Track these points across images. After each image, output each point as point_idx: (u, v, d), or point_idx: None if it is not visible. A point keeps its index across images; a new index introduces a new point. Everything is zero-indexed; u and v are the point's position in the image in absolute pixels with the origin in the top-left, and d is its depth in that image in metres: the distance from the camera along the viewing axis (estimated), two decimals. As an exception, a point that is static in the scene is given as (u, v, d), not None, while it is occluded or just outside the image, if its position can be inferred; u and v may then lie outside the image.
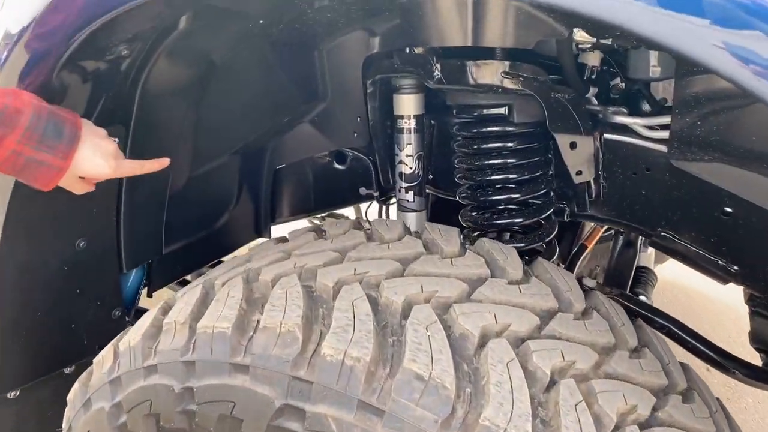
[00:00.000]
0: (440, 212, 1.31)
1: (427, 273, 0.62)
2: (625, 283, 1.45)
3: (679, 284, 2.50)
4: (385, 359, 0.52)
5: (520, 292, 0.61)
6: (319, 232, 0.80)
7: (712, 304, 2.43)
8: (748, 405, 1.91)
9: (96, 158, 0.68)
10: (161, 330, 0.64)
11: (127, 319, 1.07)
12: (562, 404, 0.49)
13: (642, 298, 1.59)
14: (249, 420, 0.55)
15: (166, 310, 0.69)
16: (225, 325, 0.58)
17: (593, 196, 1.04)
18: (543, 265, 0.70)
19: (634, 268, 1.58)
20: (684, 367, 0.67)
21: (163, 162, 0.78)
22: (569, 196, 1.07)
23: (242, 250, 1.36)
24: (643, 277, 1.69)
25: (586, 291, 0.72)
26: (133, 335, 0.67)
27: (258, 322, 0.58)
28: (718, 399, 0.68)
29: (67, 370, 0.99)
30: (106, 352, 0.70)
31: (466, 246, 0.71)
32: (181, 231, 1.12)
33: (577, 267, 1.37)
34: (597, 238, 1.57)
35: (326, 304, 0.59)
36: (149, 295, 1.13)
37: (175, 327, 0.62)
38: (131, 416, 0.64)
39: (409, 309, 0.56)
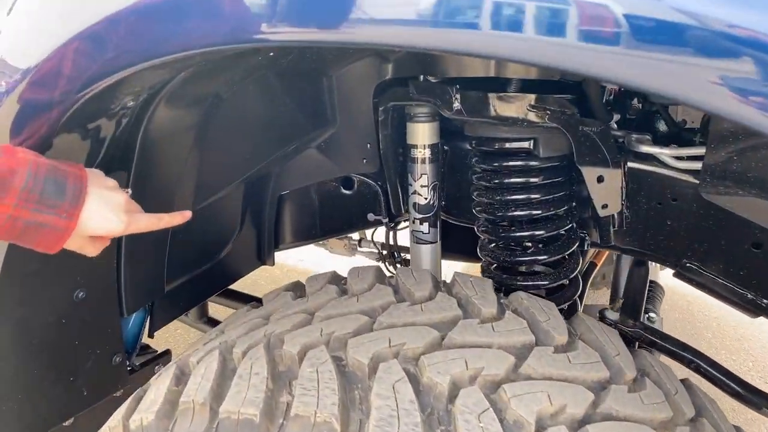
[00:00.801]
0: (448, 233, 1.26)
1: (468, 343, 0.57)
2: (640, 307, 1.42)
3: (678, 290, 2.49)
4: None
5: (570, 361, 0.57)
6: (339, 284, 0.74)
7: (711, 309, 2.42)
8: (754, 416, 1.90)
9: (106, 214, 0.61)
10: (177, 408, 0.59)
11: (128, 363, 1.01)
12: None
13: (652, 314, 1.56)
14: None
15: (179, 380, 0.63)
16: (252, 412, 0.53)
17: (617, 226, 1.01)
18: (584, 323, 0.66)
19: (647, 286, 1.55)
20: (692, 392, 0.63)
21: (186, 215, 0.71)
22: (591, 226, 1.03)
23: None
24: (652, 292, 1.66)
25: (629, 345, 0.68)
26: (145, 412, 0.61)
27: (288, 406, 0.53)
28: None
29: (66, 423, 0.93)
30: (115, 426, 0.65)
31: (503, 303, 0.66)
32: (183, 266, 1.06)
33: (588, 285, 1.33)
34: (605, 255, 1.54)
35: (362, 384, 0.54)
36: (150, 335, 1.07)
37: (194, 408, 0.57)
38: None
39: (456, 391, 0.52)
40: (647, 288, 1.57)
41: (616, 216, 0.98)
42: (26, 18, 0.63)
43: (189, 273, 1.10)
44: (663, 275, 2.18)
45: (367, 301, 0.66)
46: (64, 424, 0.93)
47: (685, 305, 2.41)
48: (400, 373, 0.53)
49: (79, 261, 0.80)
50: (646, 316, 1.56)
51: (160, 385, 0.65)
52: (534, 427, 0.49)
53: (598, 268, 1.51)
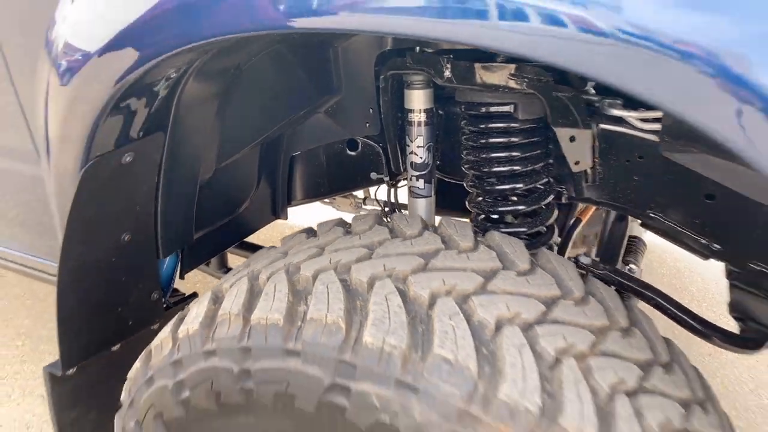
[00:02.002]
0: (444, 192, 1.39)
1: (446, 267, 0.72)
2: (617, 256, 1.56)
3: (668, 248, 2.63)
4: (416, 345, 0.62)
5: (528, 282, 0.71)
6: (345, 226, 0.89)
7: (698, 265, 2.56)
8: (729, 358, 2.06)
9: None
10: (216, 320, 0.74)
11: (163, 300, 1.17)
12: (564, 380, 0.60)
13: (632, 266, 1.70)
14: (301, 396, 0.65)
15: (216, 300, 0.79)
16: (277, 317, 0.68)
17: (590, 181, 1.14)
18: (546, 255, 0.80)
19: (626, 238, 1.69)
20: (667, 341, 0.78)
21: None
22: (567, 181, 1.16)
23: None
24: (634, 246, 1.79)
25: (584, 276, 0.82)
26: (190, 324, 0.76)
27: (305, 313, 0.68)
28: (695, 368, 0.78)
29: (113, 348, 1.10)
30: (164, 337, 0.80)
31: (479, 240, 0.80)
32: (208, 218, 1.21)
33: (572, 238, 1.47)
34: (591, 212, 1.68)
35: (362, 296, 0.69)
36: (181, 277, 1.23)
37: (230, 318, 0.72)
38: (194, 393, 0.74)
39: (434, 301, 0.66)
40: (627, 241, 1.71)
41: (588, 172, 1.12)
42: (89, 8, 0.76)
43: (213, 224, 1.26)
44: (652, 235, 2.33)
45: (367, 238, 0.81)
46: (112, 349, 1.10)
47: (672, 262, 2.55)
48: (391, 288, 0.68)
49: (126, 210, 0.96)
50: (627, 267, 1.70)
51: (199, 305, 0.80)
52: (493, 326, 0.64)
53: (583, 223, 1.64)
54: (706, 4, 0.47)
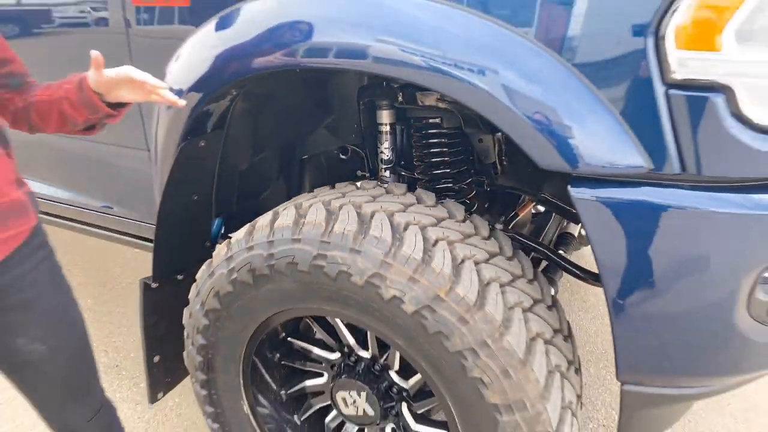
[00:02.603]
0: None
1: (387, 201, 1.27)
2: (540, 232, 2.08)
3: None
4: (361, 231, 1.17)
5: (428, 209, 1.27)
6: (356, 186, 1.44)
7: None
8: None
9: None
10: (253, 230, 1.30)
11: (211, 249, 1.73)
12: (435, 250, 1.14)
13: (561, 252, 2.22)
14: (301, 263, 1.20)
15: (298, 211, 1.33)
16: (288, 222, 1.24)
17: (498, 172, 1.70)
18: (478, 218, 1.35)
19: (557, 232, 2.21)
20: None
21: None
22: (486, 172, 1.72)
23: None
24: (566, 239, 2.31)
25: (493, 229, 1.36)
26: (237, 234, 1.32)
27: (305, 219, 1.24)
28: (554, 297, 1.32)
29: (179, 277, 1.65)
30: (221, 246, 1.36)
31: (411, 193, 1.36)
32: (243, 197, 1.79)
33: (510, 226, 2.00)
34: (528, 209, 2.22)
35: (364, 218, 1.23)
36: (224, 238, 1.79)
37: (263, 226, 1.28)
38: (239, 273, 1.30)
39: (373, 214, 1.22)
40: (561, 234, 2.21)
41: (498, 164, 1.68)
42: (180, 66, 1.35)
43: (243, 202, 1.83)
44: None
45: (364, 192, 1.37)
46: (178, 277, 1.65)
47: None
48: (351, 207, 1.23)
49: (198, 177, 1.53)
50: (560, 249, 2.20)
51: (288, 212, 1.33)
52: (403, 226, 1.19)
53: (520, 217, 2.17)
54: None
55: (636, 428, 1.24)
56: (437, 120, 1.58)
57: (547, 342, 1.19)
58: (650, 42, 0.92)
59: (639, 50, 0.93)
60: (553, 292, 1.37)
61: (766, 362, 1.11)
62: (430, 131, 1.60)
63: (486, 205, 1.92)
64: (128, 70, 1.07)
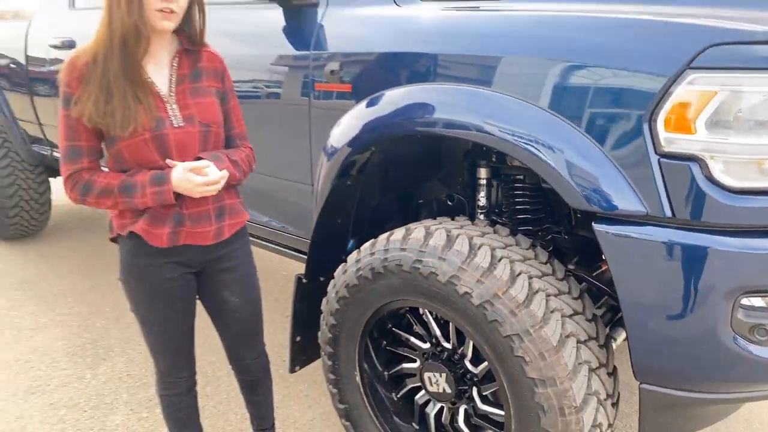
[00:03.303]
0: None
1: (472, 230, 1.78)
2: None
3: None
4: (448, 246, 1.69)
5: (500, 237, 1.75)
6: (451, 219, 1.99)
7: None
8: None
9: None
10: (376, 242, 1.87)
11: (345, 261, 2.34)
12: (499, 265, 1.62)
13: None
14: (405, 264, 1.74)
15: (427, 231, 1.92)
16: (399, 237, 1.79)
17: (573, 223, 2.12)
18: (521, 236, 1.82)
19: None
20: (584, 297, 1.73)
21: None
22: (561, 222, 2.15)
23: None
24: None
25: (551, 258, 1.81)
26: (366, 244, 1.91)
27: (412, 235, 1.79)
28: (596, 315, 1.72)
29: (321, 279, 2.27)
30: (353, 254, 1.95)
31: (493, 227, 1.86)
32: (371, 226, 2.38)
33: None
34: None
35: (452, 239, 1.76)
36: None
37: (384, 239, 1.85)
38: (363, 270, 1.86)
39: (456, 236, 1.73)
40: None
41: (571, 216, 2.10)
42: (337, 132, 2.01)
43: (372, 230, 2.41)
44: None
45: (456, 223, 1.90)
46: (320, 278, 2.27)
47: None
48: (443, 232, 1.76)
49: (343, 206, 2.15)
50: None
51: (399, 231, 1.92)
52: (477, 245, 1.68)
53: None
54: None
55: (653, 425, 1.57)
56: (521, 176, 2.07)
57: (579, 342, 1.59)
58: (647, 127, 1.36)
59: (640, 132, 1.38)
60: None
61: (752, 375, 1.41)
62: (515, 185, 2.09)
63: (565, 249, 2.33)
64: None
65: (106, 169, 1.58)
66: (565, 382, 1.52)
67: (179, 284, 1.64)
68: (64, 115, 1.48)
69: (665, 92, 1.33)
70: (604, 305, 2.11)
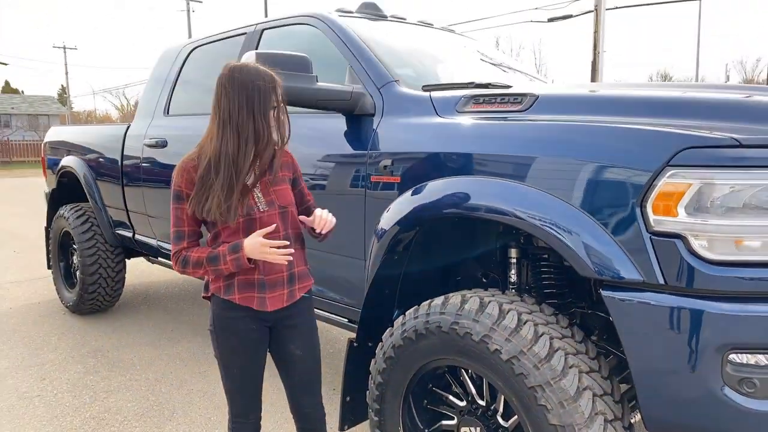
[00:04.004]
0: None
1: (510, 302, 2.10)
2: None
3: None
4: (480, 310, 2.00)
5: (531, 309, 2.06)
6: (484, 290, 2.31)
7: None
8: None
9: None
10: (419, 307, 2.20)
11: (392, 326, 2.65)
12: (529, 333, 1.92)
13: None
14: (444, 326, 2.05)
15: (463, 300, 2.25)
16: (439, 303, 2.12)
17: (594, 299, 2.40)
18: (546, 307, 2.12)
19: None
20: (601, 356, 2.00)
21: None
22: (582, 297, 2.43)
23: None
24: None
25: (573, 323, 2.10)
26: (410, 310, 2.24)
27: (450, 301, 2.11)
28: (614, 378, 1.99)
29: (369, 344, 2.58)
30: (398, 319, 2.28)
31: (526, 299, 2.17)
32: (414, 297, 2.71)
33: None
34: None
35: (485, 305, 2.09)
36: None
37: (426, 306, 2.18)
38: (408, 332, 2.18)
39: (488, 303, 2.05)
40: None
41: (593, 292, 2.39)
42: (386, 216, 2.41)
43: (415, 300, 2.74)
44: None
45: (490, 293, 2.23)
46: (369, 344, 2.58)
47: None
48: (491, 300, 2.08)
49: (389, 280, 2.51)
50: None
51: (440, 299, 2.26)
52: (515, 314, 1.99)
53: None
54: (553, 215, 1.90)
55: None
56: (545, 255, 2.40)
57: (595, 395, 1.84)
58: (638, 211, 1.70)
59: (634, 215, 1.71)
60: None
61: (743, 426, 1.62)
62: (541, 263, 2.42)
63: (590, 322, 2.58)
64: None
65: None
66: (582, 428, 1.76)
67: (258, 336, 2.00)
68: (174, 207, 1.93)
69: (651, 183, 1.68)
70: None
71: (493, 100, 2.31)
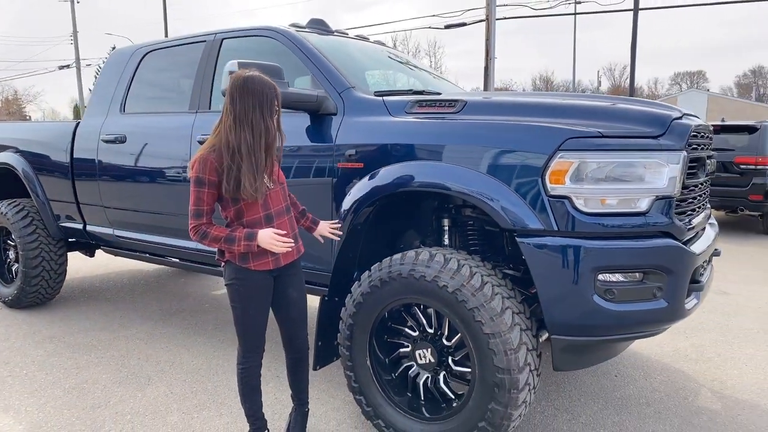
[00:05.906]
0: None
1: (454, 254, 2.84)
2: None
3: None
4: (451, 269, 2.72)
5: (472, 260, 2.81)
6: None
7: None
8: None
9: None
10: (380, 263, 2.88)
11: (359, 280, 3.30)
12: (471, 277, 2.66)
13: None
14: (403, 273, 2.75)
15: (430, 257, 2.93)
16: (424, 258, 2.82)
17: (507, 253, 3.21)
18: (486, 263, 2.88)
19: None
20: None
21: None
22: (500, 253, 3.24)
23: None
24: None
25: (496, 265, 2.86)
26: (373, 267, 2.91)
27: (433, 259, 2.81)
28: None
29: (336, 299, 3.21)
30: (365, 273, 2.94)
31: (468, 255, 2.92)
32: (371, 260, 3.37)
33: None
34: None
35: (432, 256, 2.80)
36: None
37: (387, 260, 2.86)
38: (374, 281, 2.85)
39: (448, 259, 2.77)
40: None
41: (504, 248, 3.20)
42: (358, 189, 3.07)
43: (370, 263, 3.41)
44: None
45: (436, 250, 2.95)
46: (335, 299, 3.21)
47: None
48: (447, 256, 2.80)
49: (352, 246, 3.15)
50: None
51: (400, 254, 2.92)
52: (458, 263, 2.72)
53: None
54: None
55: (560, 362, 2.58)
56: (471, 222, 3.17)
57: (513, 312, 2.61)
58: (540, 181, 2.50)
59: (537, 184, 2.51)
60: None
61: (607, 322, 2.47)
62: (468, 229, 3.18)
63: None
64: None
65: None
66: (506, 333, 2.53)
67: (268, 284, 2.58)
68: (196, 190, 2.45)
69: (548, 162, 2.48)
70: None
71: (434, 104, 3.04)
